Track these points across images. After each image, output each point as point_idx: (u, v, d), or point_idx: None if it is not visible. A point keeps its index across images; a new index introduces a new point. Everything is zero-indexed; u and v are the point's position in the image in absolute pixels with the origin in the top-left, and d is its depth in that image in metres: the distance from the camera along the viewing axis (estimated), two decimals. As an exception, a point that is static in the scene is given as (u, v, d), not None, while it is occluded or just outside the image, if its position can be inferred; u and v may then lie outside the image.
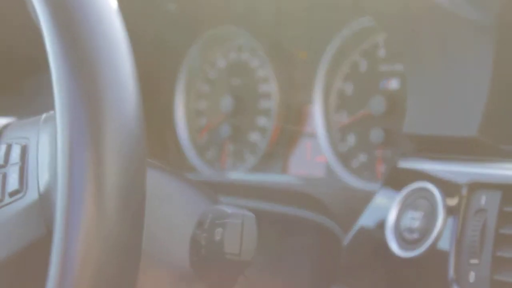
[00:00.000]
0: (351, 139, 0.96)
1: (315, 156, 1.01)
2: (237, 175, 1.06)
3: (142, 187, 0.51)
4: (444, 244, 0.68)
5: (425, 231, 0.70)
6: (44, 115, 0.63)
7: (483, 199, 0.67)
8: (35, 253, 0.57)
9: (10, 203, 0.59)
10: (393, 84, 0.92)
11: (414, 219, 0.72)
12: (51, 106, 0.51)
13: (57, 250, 0.48)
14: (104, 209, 0.48)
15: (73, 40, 0.50)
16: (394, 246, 0.72)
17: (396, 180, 0.77)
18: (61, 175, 0.49)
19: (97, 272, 0.49)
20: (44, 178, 0.58)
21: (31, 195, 0.58)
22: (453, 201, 0.69)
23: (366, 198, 0.79)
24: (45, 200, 0.57)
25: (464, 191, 0.69)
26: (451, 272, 0.67)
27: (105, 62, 0.51)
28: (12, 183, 0.59)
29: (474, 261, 0.66)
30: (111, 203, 0.49)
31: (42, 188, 0.58)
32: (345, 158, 0.96)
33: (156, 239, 0.63)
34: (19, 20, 0.90)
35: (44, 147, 0.60)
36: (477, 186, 0.68)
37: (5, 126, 0.65)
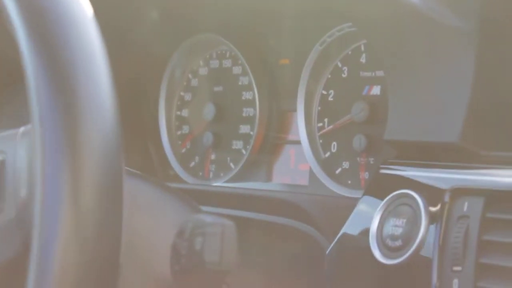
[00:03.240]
0: (334, 146, 0.96)
1: (299, 163, 1.01)
2: (220, 183, 1.06)
3: (120, 197, 0.50)
4: (427, 251, 0.68)
5: (408, 238, 0.70)
6: (21, 129, 0.62)
7: (465, 206, 0.67)
8: (12, 270, 0.57)
9: None
10: (375, 90, 0.92)
11: (397, 226, 0.71)
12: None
13: (34, 266, 0.48)
14: (81, 223, 0.48)
15: (48, 51, 0.50)
16: (377, 253, 0.72)
17: (378, 187, 0.77)
18: (38, 187, 0.48)
19: (75, 286, 0.48)
20: (22, 194, 0.57)
21: (9, 212, 0.58)
22: (435, 208, 0.69)
23: (349, 205, 0.79)
24: (23, 216, 0.57)
25: (447, 198, 0.68)
26: (435, 279, 0.66)
27: (80, 71, 0.50)
28: None
29: (457, 268, 0.65)
30: (89, 217, 0.48)
31: (20, 205, 0.57)
32: (328, 165, 0.96)
33: (136, 248, 0.63)
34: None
35: (21, 162, 0.59)
36: (459, 193, 0.68)
37: None
